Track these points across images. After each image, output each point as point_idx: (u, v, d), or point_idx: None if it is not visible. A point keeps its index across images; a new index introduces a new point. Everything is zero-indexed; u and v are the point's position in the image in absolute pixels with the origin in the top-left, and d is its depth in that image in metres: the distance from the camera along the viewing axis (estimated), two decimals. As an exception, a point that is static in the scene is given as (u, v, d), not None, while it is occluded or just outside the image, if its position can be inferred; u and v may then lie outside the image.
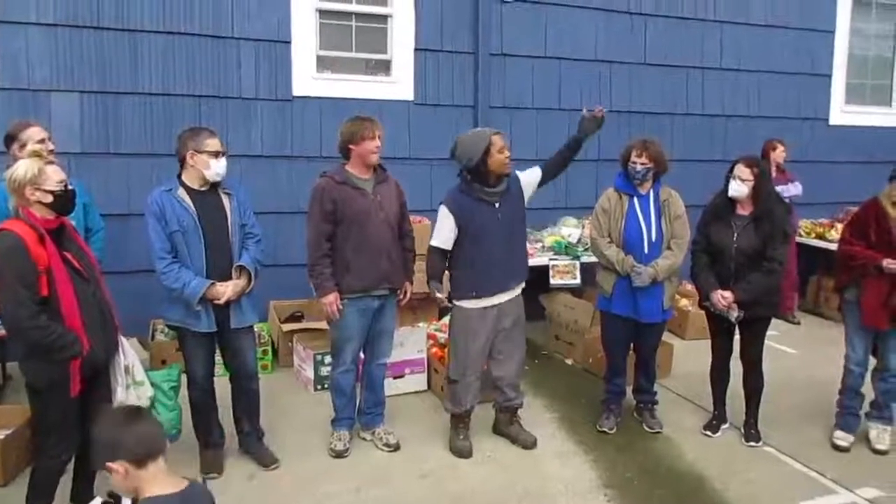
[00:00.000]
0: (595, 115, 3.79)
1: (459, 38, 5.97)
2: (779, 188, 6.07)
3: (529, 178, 3.88)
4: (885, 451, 3.94)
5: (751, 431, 4.08)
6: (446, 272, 3.86)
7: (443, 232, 3.74)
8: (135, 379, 2.98)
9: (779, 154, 6.23)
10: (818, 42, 7.23)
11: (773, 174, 6.18)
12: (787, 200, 6.18)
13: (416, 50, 5.87)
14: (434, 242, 3.78)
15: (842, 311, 4.11)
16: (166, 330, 4.86)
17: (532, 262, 5.35)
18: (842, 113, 7.44)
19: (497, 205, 3.72)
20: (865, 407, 4.08)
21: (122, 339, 2.99)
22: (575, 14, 6.28)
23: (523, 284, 3.93)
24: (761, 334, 4.02)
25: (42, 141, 3.68)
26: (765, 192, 3.83)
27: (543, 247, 5.74)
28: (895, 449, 3.96)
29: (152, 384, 3.07)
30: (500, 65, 6.08)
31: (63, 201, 2.73)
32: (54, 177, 2.70)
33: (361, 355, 3.98)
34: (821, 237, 6.67)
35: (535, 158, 6.01)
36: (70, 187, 2.77)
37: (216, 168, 3.40)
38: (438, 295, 3.76)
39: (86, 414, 2.83)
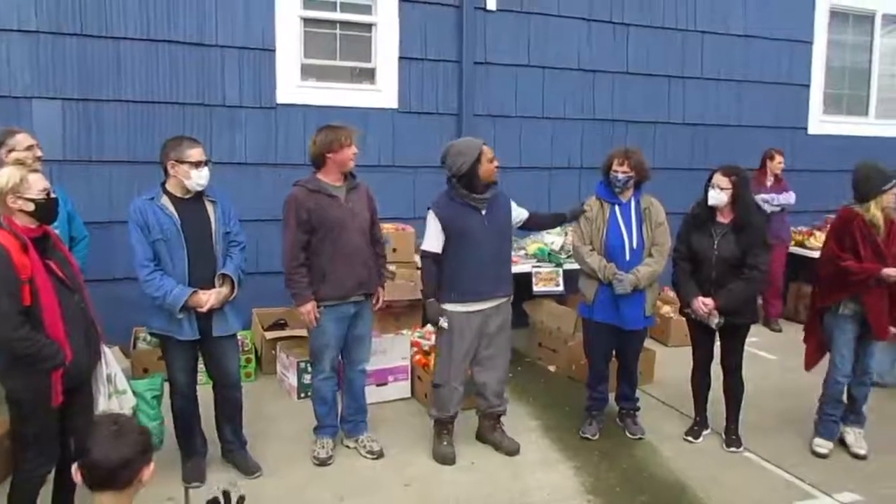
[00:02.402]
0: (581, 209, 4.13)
1: (443, 47, 6.00)
2: (771, 195, 6.23)
3: (517, 211, 4.01)
4: (865, 456, 3.98)
5: (732, 437, 4.13)
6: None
7: (431, 236, 3.79)
8: (117, 388, 2.97)
9: (776, 164, 6.41)
10: (796, 52, 7.34)
11: (770, 183, 6.33)
12: (780, 209, 6.32)
13: (400, 58, 5.89)
14: (425, 247, 3.83)
15: (820, 326, 4.05)
16: (148, 338, 4.83)
17: (515, 269, 5.39)
18: (820, 122, 7.55)
19: (484, 212, 3.78)
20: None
21: (105, 349, 2.98)
22: (558, 23, 6.33)
23: (510, 297, 3.96)
24: (741, 341, 4.07)
25: (30, 148, 3.68)
26: (743, 201, 3.88)
27: (526, 254, 5.77)
28: (874, 455, 4.00)
29: (134, 393, 3.07)
30: (483, 73, 6.12)
31: (45, 210, 2.72)
32: (36, 185, 2.69)
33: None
34: (800, 245, 6.78)
35: (517, 167, 6.16)
36: (53, 195, 2.76)
37: (197, 178, 3.40)
38: (441, 322, 3.77)
39: (67, 424, 2.81)
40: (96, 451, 1.86)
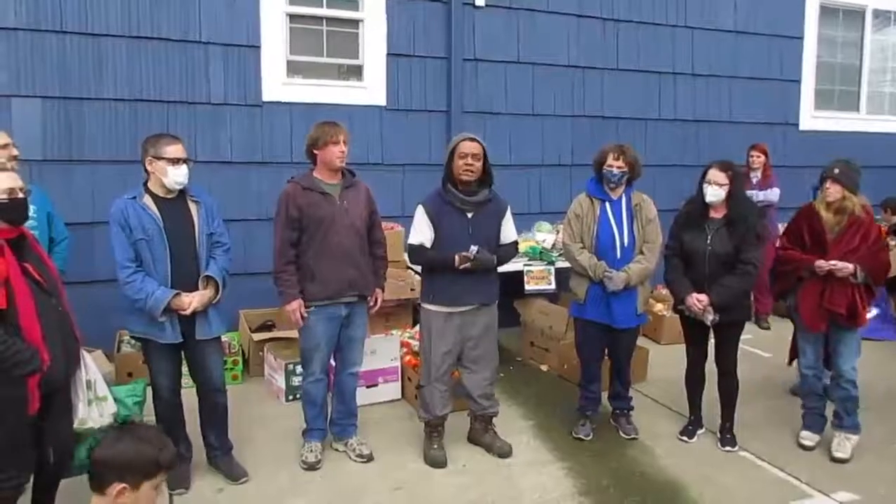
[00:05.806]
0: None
1: (432, 44, 5.93)
2: (754, 192, 6.18)
3: (509, 230, 3.88)
4: (843, 460, 3.88)
5: (726, 436, 4.07)
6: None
7: (421, 230, 3.69)
8: (97, 394, 2.87)
9: (753, 160, 6.37)
10: (787, 48, 7.32)
11: (756, 179, 6.31)
12: (767, 205, 6.28)
13: (388, 55, 5.82)
14: (412, 240, 3.72)
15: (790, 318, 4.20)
16: (132, 341, 4.74)
17: (506, 268, 5.33)
18: (812, 118, 7.54)
19: (470, 215, 3.69)
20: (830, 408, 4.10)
21: (84, 353, 2.90)
22: (548, 20, 6.27)
23: (494, 303, 3.86)
24: (735, 339, 4.03)
25: (5, 146, 3.60)
26: (737, 196, 3.85)
27: (518, 253, 5.71)
28: (871, 454, 3.95)
29: (116, 400, 2.97)
30: (472, 70, 6.06)
31: (10, 211, 2.62)
32: (1, 185, 2.60)
33: (333, 364, 3.92)
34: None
35: (507, 164, 6.10)
36: (21, 196, 2.66)
37: (174, 176, 3.31)
38: (465, 255, 3.56)
39: (43, 432, 2.72)
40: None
